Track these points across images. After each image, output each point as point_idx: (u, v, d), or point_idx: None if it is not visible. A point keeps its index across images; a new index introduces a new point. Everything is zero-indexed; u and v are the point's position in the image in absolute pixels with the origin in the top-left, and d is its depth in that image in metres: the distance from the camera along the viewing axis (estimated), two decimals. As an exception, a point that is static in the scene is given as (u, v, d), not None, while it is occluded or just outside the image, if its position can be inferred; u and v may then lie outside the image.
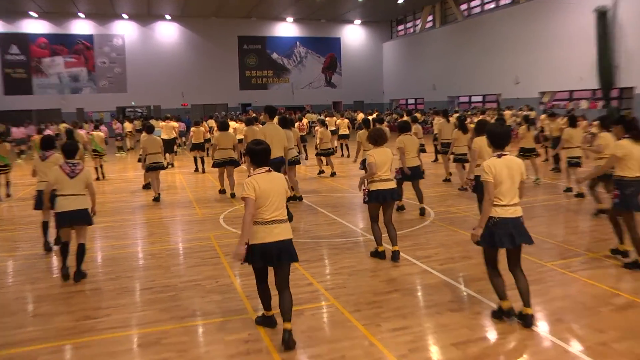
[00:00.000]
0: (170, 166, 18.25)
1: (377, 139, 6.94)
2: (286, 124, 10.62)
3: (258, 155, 4.71)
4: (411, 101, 46.66)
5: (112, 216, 10.45)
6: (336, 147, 20.46)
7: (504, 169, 4.87)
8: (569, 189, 11.45)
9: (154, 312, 5.56)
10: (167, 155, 18.00)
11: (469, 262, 6.94)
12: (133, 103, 39.26)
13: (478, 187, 7.74)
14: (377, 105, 44.81)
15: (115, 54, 39.15)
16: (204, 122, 21.09)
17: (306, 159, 17.36)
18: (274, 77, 44.50)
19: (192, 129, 17.74)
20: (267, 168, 4.73)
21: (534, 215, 9.50)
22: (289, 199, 10.45)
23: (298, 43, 45.33)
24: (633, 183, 6.31)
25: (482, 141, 8.16)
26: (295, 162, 11.23)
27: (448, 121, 14.75)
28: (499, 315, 5.17)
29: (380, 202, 6.85)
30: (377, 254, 7.13)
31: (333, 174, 15.03)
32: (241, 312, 5.51)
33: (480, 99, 38.30)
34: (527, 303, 5.02)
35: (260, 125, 11.05)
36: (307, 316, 5.36)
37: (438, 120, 17.79)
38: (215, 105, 41.57)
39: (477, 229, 4.94)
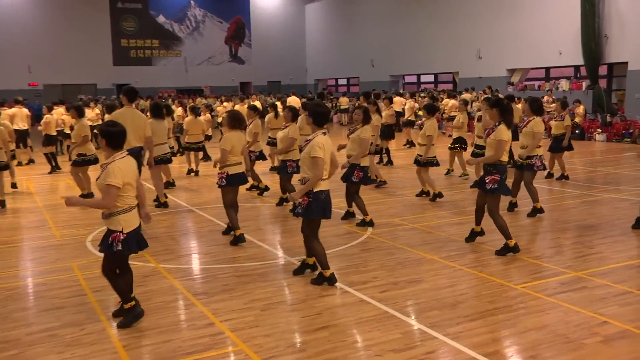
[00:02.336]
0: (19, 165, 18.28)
1: (234, 123, 9.09)
2: (160, 112, 12.13)
3: (114, 137, 5.80)
4: (342, 81, 47.47)
5: None
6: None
7: (327, 144, 7.01)
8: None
9: (-13, 374, 5.35)
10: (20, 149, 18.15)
11: (419, 288, 7.16)
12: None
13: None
14: (298, 87, 45.25)
15: None
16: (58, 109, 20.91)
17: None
18: (160, 49, 43.97)
19: (47, 116, 17.76)
20: (126, 152, 5.88)
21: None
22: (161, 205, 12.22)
23: (193, 2, 45.00)
24: (506, 168, 8.38)
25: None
26: (166, 160, 12.37)
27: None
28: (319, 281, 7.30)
29: (234, 185, 9.15)
30: (237, 239, 9.15)
31: (194, 172, 16.55)
32: (114, 367, 5.41)
33: (431, 78, 39.55)
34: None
35: None
36: (206, 367, 5.33)
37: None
38: (80, 86, 40.46)
39: (296, 194, 7.06)
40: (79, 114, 12.94)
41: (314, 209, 7.03)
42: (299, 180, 7.34)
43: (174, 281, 7.63)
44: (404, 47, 37.89)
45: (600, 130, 24.96)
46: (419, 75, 40.14)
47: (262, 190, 13.44)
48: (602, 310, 6.37)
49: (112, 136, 5.79)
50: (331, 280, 7.30)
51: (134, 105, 10.64)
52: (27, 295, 7.43)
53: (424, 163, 12.10)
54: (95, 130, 14.39)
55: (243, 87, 46.74)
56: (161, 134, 12.03)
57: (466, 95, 28.29)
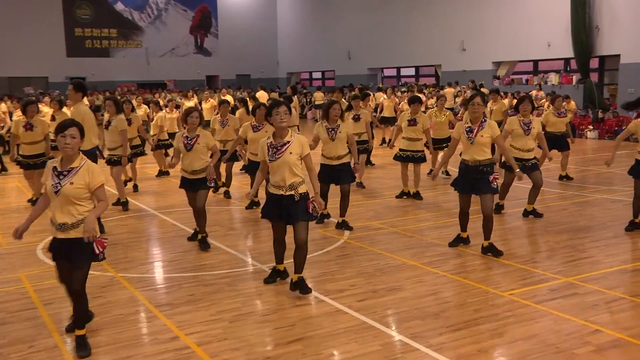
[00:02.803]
0: None
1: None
2: (119, 108, 12.05)
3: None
4: (317, 75, 47.53)
5: None
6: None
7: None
8: None
9: None
10: None
11: (399, 296, 7.19)
12: None
13: None
14: (269, 81, 45.16)
15: None
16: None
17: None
18: (119, 39, 43.65)
19: None
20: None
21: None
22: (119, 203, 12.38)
23: (155, -11, 44.79)
24: None
25: None
26: (117, 162, 12.10)
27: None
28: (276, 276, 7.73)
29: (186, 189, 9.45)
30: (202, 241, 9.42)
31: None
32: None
33: (412, 72, 39.76)
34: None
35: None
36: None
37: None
38: (29, 79, 39.94)
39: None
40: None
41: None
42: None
43: (135, 292, 7.57)
44: (382, 39, 38.04)
45: (592, 127, 25.27)
46: (398, 69, 40.33)
47: (218, 187, 13.66)
48: (594, 318, 6.45)
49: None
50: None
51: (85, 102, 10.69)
52: (-28, 309, 7.31)
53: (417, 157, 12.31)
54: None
55: (210, 81, 46.58)
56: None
57: (449, 90, 28.48)
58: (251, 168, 11.36)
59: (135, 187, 14.52)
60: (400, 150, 12.44)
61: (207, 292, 7.55)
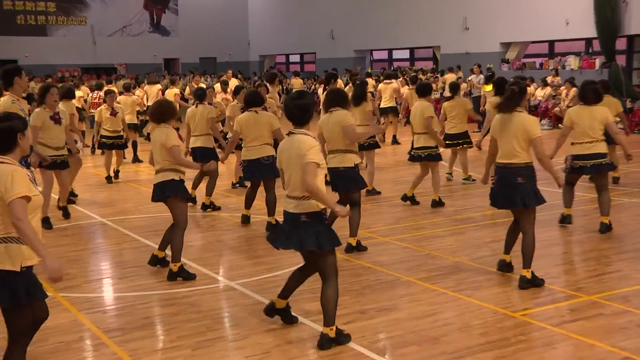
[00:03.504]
0: None
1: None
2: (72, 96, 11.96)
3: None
4: (295, 58, 47.43)
5: None
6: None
7: (288, 151, 6.46)
8: None
9: None
10: None
11: (392, 317, 7.19)
12: None
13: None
14: (239, 64, 45.13)
15: None
16: None
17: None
18: (58, 15, 43.38)
19: None
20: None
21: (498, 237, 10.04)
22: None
23: (102, -46, 44.56)
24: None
25: None
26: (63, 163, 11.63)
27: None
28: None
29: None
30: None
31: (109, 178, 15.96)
32: None
33: (407, 55, 39.75)
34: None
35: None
36: None
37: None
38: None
39: (336, 205, 6.57)
40: None
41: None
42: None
43: (79, 315, 7.53)
44: (371, 16, 38.02)
45: (618, 120, 25.34)
46: (390, 51, 40.37)
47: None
48: (622, 344, 6.46)
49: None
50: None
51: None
52: None
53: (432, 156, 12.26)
54: None
55: (168, 65, 46.42)
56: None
57: (449, 76, 28.51)
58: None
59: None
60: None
61: (165, 313, 7.51)
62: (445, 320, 7.10)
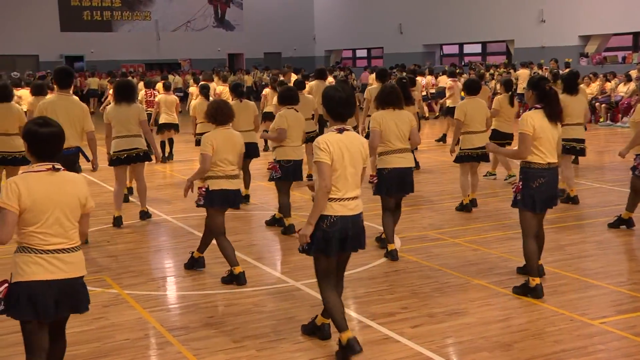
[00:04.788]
0: None
1: (218, 116, 8.42)
2: (129, 95, 11.44)
3: (42, 142, 5.04)
4: (362, 53, 47.34)
5: None
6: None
7: (347, 149, 6.14)
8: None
9: None
10: None
11: (461, 322, 7.14)
12: None
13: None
14: (304, 60, 45.19)
15: None
16: None
17: (164, 160, 17.68)
18: (123, 10, 44.11)
19: None
20: (51, 165, 5.06)
21: (580, 244, 9.86)
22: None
23: (167, -50, 45.13)
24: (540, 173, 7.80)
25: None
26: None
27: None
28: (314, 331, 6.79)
29: (223, 206, 8.55)
30: (234, 278, 8.52)
31: None
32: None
33: (478, 49, 39.39)
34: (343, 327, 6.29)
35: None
36: None
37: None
38: (15, 58, 40.41)
39: (306, 226, 6.15)
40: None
41: (319, 242, 6.24)
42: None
43: (143, 312, 7.62)
44: (441, 9, 37.82)
45: None
46: (461, 45, 40.08)
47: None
48: None
49: (36, 140, 5.06)
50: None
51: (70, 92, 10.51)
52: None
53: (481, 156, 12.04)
54: None
55: (232, 60, 46.75)
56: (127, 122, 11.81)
57: (523, 72, 28.13)
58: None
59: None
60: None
61: (229, 313, 7.56)
62: (518, 326, 7.01)
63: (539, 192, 7.68)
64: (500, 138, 13.58)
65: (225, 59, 46.48)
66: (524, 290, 7.83)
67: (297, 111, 10.91)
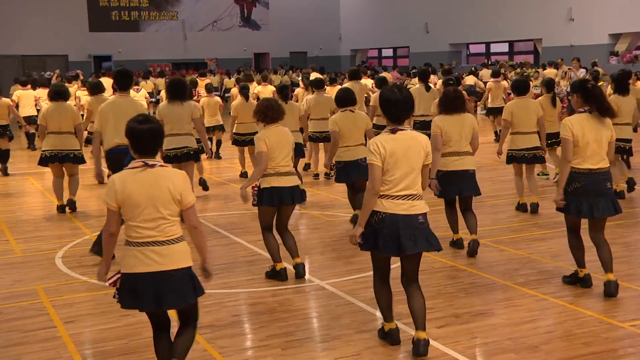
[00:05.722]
0: None
1: (269, 113, 8.44)
2: (182, 94, 11.40)
3: (141, 138, 5.29)
4: (387, 52, 47.26)
5: None
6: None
7: (401, 149, 6.17)
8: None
9: None
10: None
11: (488, 322, 7.11)
12: None
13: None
14: (330, 59, 45.20)
15: None
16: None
17: (211, 156, 17.72)
18: (151, 10, 44.30)
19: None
20: (143, 161, 5.32)
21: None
22: None
23: (193, -50, 45.27)
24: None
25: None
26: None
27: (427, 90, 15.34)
28: (383, 336, 6.72)
29: (274, 204, 8.48)
30: (276, 274, 8.60)
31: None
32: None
33: (505, 48, 39.20)
34: (420, 326, 6.37)
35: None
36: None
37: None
38: (45, 58, 40.81)
39: (356, 227, 6.32)
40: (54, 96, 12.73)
41: (370, 240, 6.33)
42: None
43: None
44: (468, 7, 37.67)
45: None
46: (488, 44, 39.91)
47: None
48: None
49: (137, 137, 5.32)
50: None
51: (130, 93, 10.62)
52: (-23, 326, 7.50)
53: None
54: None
55: (258, 60, 46.82)
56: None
57: (550, 71, 27.94)
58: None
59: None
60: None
61: (254, 312, 7.60)
62: (545, 327, 6.97)
63: (574, 196, 7.68)
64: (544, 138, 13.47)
65: (251, 58, 46.55)
66: (573, 280, 8.06)
67: (353, 111, 10.69)
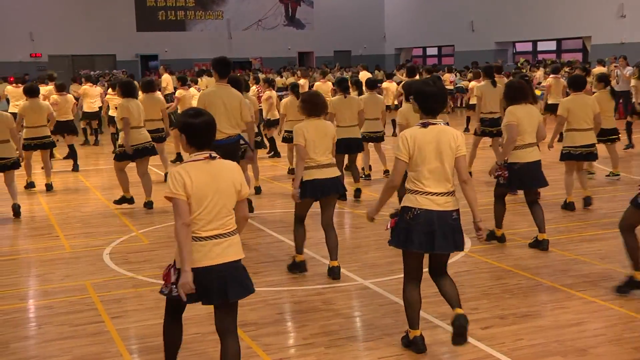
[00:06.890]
0: None
1: (312, 108, 8.43)
2: (240, 87, 11.38)
3: (197, 131, 5.29)
4: (432, 51, 47.04)
5: None
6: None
7: (430, 143, 6.09)
8: None
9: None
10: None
11: (534, 325, 7.03)
12: None
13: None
14: (374, 57, 45.03)
15: None
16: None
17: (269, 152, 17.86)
18: (197, 10, 44.57)
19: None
20: (207, 153, 5.31)
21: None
22: None
23: (238, -51, 45.45)
24: None
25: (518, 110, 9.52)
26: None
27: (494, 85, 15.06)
28: (408, 344, 6.52)
29: (316, 196, 8.52)
30: (296, 266, 8.77)
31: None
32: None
33: (553, 46, 38.75)
34: (456, 304, 6.31)
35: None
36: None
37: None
38: (94, 58, 41.30)
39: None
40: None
41: (400, 236, 6.28)
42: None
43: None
44: (514, 5, 37.36)
45: None
46: (534, 42, 39.52)
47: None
48: None
49: (193, 130, 5.31)
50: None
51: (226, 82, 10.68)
52: (28, 321, 7.59)
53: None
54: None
55: (302, 59, 46.86)
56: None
57: (598, 69, 27.49)
58: None
59: None
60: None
61: (298, 310, 7.60)
62: (593, 330, 6.86)
63: None
64: (601, 134, 13.13)
65: (295, 57, 46.63)
66: (629, 286, 7.72)
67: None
